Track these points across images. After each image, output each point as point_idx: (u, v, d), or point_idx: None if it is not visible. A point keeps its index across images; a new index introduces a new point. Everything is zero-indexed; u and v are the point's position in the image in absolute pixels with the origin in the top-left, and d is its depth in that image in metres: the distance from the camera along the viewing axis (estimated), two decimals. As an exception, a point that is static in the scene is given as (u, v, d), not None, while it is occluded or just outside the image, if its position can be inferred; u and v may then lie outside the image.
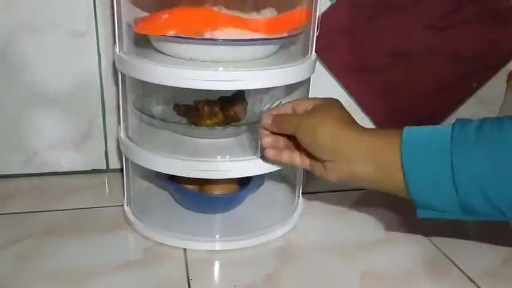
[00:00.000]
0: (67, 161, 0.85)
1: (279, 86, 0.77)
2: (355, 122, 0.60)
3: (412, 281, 0.63)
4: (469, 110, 1.01)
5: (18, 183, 0.82)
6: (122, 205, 0.74)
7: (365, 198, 0.83)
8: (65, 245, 0.66)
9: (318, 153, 0.58)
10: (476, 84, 1.00)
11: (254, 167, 0.65)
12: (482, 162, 0.50)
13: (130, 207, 0.73)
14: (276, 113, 0.62)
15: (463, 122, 0.54)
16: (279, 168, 0.66)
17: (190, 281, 0.60)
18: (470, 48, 0.96)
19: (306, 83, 0.70)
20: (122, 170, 0.74)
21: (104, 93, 0.82)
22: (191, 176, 0.64)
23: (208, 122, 0.69)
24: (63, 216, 0.73)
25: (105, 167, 0.87)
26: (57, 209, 0.75)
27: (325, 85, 0.91)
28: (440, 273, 0.64)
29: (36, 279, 0.59)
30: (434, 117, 1.00)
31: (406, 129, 0.55)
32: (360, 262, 0.66)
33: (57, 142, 0.84)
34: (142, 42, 0.66)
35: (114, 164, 0.88)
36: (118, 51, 0.65)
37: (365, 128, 0.59)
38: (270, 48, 0.66)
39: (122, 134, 0.69)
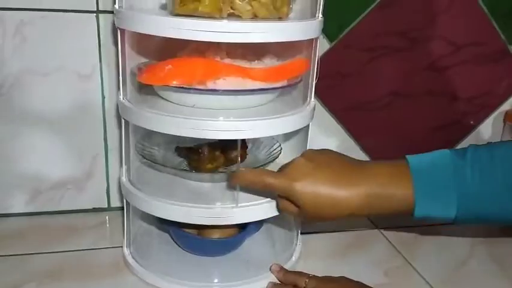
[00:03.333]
0: (69, 199, 0.86)
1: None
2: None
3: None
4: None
5: (20, 222, 0.83)
6: (122, 246, 0.75)
7: (363, 237, 0.84)
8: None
9: None
10: (474, 121, 1.01)
11: (255, 212, 0.66)
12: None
13: (129, 250, 0.74)
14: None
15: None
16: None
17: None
18: (467, 89, 0.97)
19: (305, 128, 0.71)
20: (123, 208, 0.75)
21: (107, 133, 0.83)
22: (192, 222, 0.64)
23: (209, 166, 0.70)
24: (63, 258, 0.74)
25: (106, 205, 0.88)
26: (58, 250, 0.76)
27: (325, 124, 0.92)
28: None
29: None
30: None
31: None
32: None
33: (59, 181, 0.84)
34: (146, 88, 0.67)
35: (116, 202, 0.88)
36: (122, 98, 0.66)
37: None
38: (270, 95, 0.67)
39: (124, 178, 0.70)
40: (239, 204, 0.65)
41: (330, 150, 0.66)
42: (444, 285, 0.72)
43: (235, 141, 0.73)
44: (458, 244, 0.83)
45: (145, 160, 0.70)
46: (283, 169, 0.63)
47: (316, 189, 0.59)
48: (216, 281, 0.68)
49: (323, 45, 0.87)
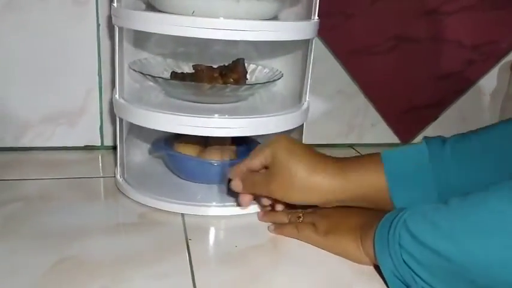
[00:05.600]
0: (60, 135, 0.82)
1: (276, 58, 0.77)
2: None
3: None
4: (470, 101, 0.99)
5: (8, 156, 0.79)
6: (115, 175, 0.71)
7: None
8: (55, 208, 0.63)
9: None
10: (479, 71, 0.98)
11: (255, 125, 0.62)
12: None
13: (123, 177, 0.70)
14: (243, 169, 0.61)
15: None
16: (281, 130, 0.64)
17: (189, 241, 0.57)
18: (472, 36, 0.95)
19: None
20: (115, 147, 0.71)
21: (102, 64, 0.80)
22: (188, 133, 0.61)
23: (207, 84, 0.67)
24: (53, 183, 0.70)
25: (99, 144, 0.84)
26: (48, 177, 0.72)
27: (328, 68, 0.89)
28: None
29: (24, 237, 0.56)
30: (435, 106, 0.98)
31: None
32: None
33: (50, 115, 0.81)
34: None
35: (109, 141, 0.85)
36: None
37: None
38: (273, 5, 0.64)
39: (117, 96, 0.67)
40: (241, 116, 0.62)
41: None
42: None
43: (234, 65, 0.70)
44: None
45: (140, 73, 0.66)
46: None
47: (292, 162, 0.56)
48: (215, 203, 0.65)
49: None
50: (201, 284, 0.49)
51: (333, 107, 0.92)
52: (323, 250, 0.57)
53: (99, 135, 0.84)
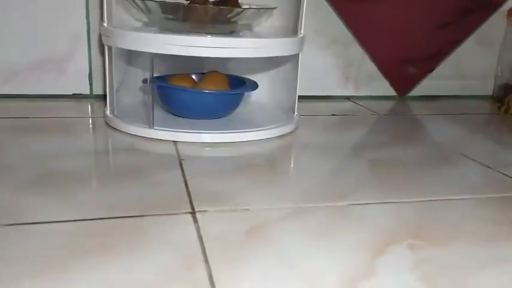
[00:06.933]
0: (47, 82, 0.79)
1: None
2: None
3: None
4: (469, 50, 0.97)
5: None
6: (104, 113, 0.69)
7: (360, 118, 0.79)
8: (45, 137, 0.60)
9: None
10: (477, 19, 0.96)
11: (251, 47, 0.60)
12: None
13: (113, 114, 0.67)
14: None
15: None
16: (277, 54, 0.62)
17: (182, 161, 0.54)
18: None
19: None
20: (105, 96, 0.69)
21: (90, 7, 0.77)
22: (179, 53, 0.58)
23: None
24: (42, 121, 0.67)
25: (88, 92, 0.82)
26: (37, 116, 0.69)
27: (323, 15, 0.87)
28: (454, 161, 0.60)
29: (12, 156, 0.53)
30: (431, 57, 0.96)
31: None
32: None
33: (37, 61, 0.78)
34: None
35: (98, 89, 0.82)
36: None
37: None
38: None
39: (105, 24, 0.64)
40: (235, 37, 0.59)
41: None
42: (453, 144, 0.67)
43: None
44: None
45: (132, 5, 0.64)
46: None
47: None
48: (210, 131, 0.62)
49: None
50: (195, 189, 0.47)
51: (328, 58, 0.90)
52: (320, 173, 0.54)
53: (88, 83, 0.81)
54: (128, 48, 0.61)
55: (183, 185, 0.47)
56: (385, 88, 0.95)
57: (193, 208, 0.42)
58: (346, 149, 0.63)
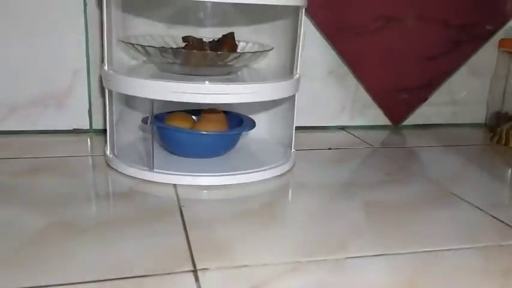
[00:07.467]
0: (47, 118, 0.81)
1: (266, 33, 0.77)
2: None
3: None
4: (460, 80, 0.99)
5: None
6: (104, 154, 0.70)
7: (359, 152, 0.81)
8: (44, 181, 0.62)
9: None
10: (471, 47, 0.98)
11: (247, 92, 0.62)
12: None
13: (113, 153, 0.69)
14: None
15: None
16: (274, 98, 0.64)
17: (182, 207, 0.56)
18: (460, 16, 0.95)
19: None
20: (105, 130, 0.70)
21: (90, 44, 0.79)
22: (178, 99, 0.59)
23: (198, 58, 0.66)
24: (42, 161, 0.69)
25: (88, 127, 0.83)
26: (37, 156, 0.70)
27: (318, 48, 0.89)
28: (445, 202, 0.61)
29: (13, 205, 0.54)
30: (425, 87, 0.98)
31: None
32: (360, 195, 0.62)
33: (37, 97, 0.79)
34: None
35: (98, 124, 0.83)
36: None
37: None
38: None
39: (106, 67, 0.66)
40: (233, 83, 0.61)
41: None
42: (445, 182, 0.68)
43: (224, 39, 0.70)
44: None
45: (129, 44, 0.65)
46: None
47: None
48: (209, 173, 0.64)
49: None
50: (195, 240, 0.48)
51: (324, 89, 0.91)
52: (316, 217, 0.56)
53: (87, 118, 0.83)
54: (128, 93, 0.62)
55: (183, 237, 0.49)
56: (379, 117, 0.97)
57: (194, 266, 0.43)
58: (342, 189, 0.64)
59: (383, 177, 0.69)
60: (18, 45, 0.76)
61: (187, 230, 0.50)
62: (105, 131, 0.73)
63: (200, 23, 0.73)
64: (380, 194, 0.63)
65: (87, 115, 0.82)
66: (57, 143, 0.77)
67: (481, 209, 0.59)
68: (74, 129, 0.83)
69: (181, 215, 0.54)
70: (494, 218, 0.57)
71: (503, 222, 0.56)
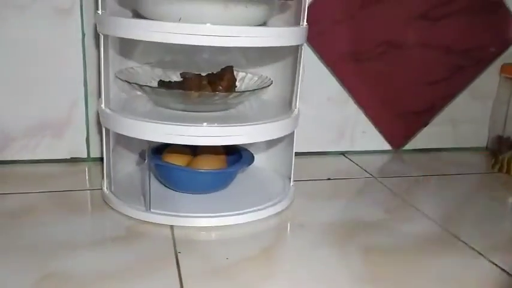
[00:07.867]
0: (45, 148, 0.80)
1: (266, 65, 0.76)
2: None
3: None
4: (462, 104, 0.98)
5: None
6: (101, 188, 0.69)
7: (359, 183, 0.80)
8: (39, 223, 0.61)
9: None
10: (474, 71, 0.97)
11: (245, 134, 0.61)
12: None
13: (110, 190, 0.68)
14: None
15: None
16: (272, 138, 0.63)
17: (179, 254, 0.55)
18: (461, 41, 0.94)
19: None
20: (103, 159, 0.69)
21: (87, 74, 0.78)
22: (176, 142, 0.59)
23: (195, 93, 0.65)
24: (38, 197, 0.68)
25: (85, 156, 0.82)
26: (32, 191, 0.70)
27: (318, 74, 0.88)
28: (445, 246, 0.60)
29: (7, 253, 0.54)
30: (425, 112, 0.97)
31: None
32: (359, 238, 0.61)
33: (34, 127, 0.79)
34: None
35: (95, 152, 0.83)
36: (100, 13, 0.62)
37: None
38: (261, 12, 0.63)
39: (103, 105, 0.65)
40: (230, 124, 0.60)
41: None
42: (445, 220, 0.68)
43: (223, 72, 0.69)
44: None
45: (126, 82, 0.64)
46: None
47: None
48: (206, 213, 0.63)
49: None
50: (191, 298, 0.47)
51: (324, 115, 0.91)
52: (316, 265, 0.55)
53: (85, 146, 0.82)
54: (123, 133, 0.61)
55: (179, 291, 0.48)
56: (380, 143, 0.96)
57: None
58: (341, 230, 0.63)
59: (383, 215, 0.69)
60: (16, 75, 0.76)
61: (183, 283, 0.50)
62: (102, 159, 0.72)
63: (198, 67, 0.72)
64: (380, 236, 0.62)
65: (85, 144, 0.82)
66: (54, 174, 0.76)
67: (481, 254, 0.59)
68: (72, 157, 0.82)
69: (177, 264, 0.53)
70: (494, 263, 0.57)
71: (504, 270, 0.56)
